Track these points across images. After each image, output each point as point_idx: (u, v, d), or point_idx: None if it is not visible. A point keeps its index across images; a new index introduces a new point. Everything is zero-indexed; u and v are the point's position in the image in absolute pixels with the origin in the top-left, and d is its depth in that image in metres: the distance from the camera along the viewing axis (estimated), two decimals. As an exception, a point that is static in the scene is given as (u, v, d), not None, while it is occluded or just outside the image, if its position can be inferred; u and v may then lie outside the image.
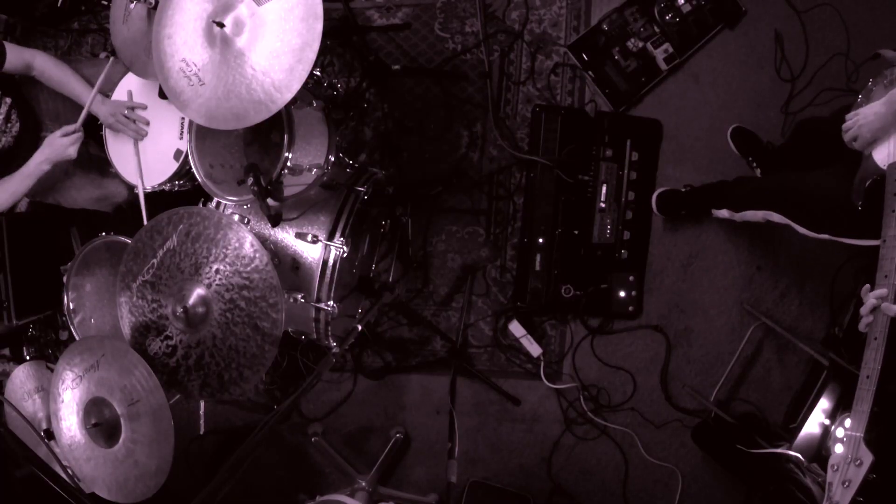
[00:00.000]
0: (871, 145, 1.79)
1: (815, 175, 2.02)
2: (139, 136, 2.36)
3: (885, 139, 1.76)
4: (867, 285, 1.60)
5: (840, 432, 2.16)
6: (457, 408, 2.97)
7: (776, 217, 2.13)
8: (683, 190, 2.78)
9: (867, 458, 1.47)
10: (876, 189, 1.73)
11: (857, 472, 1.48)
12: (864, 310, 1.58)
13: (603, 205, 2.82)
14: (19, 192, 2.29)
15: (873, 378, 1.53)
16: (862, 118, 1.79)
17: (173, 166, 2.32)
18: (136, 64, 2.26)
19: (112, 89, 2.41)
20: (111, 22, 2.25)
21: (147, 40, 2.12)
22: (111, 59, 2.31)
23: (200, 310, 1.95)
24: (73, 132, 2.22)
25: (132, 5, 2.18)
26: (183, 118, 2.30)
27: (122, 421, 1.96)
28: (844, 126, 1.84)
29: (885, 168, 1.72)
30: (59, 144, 2.21)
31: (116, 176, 2.42)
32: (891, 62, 1.89)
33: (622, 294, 2.85)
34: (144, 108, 2.37)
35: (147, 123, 2.37)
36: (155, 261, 2.00)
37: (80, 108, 2.36)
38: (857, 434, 1.50)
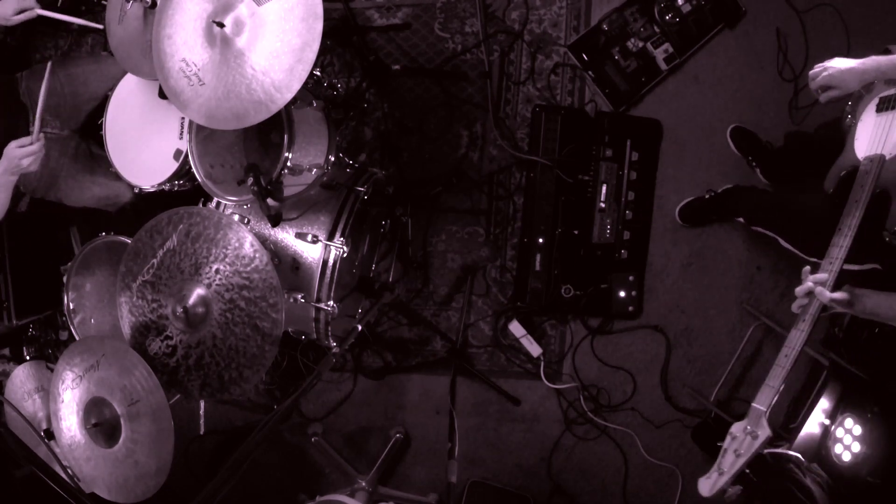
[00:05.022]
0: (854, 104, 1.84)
1: (807, 197, 2.05)
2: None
3: (865, 130, 1.79)
4: (807, 267, 1.64)
5: (840, 432, 2.17)
6: (457, 408, 2.96)
7: (783, 242, 2.16)
8: (707, 197, 2.76)
9: (764, 433, 1.50)
10: (849, 179, 1.76)
11: (750, 445, 1.51)
12: (799, 291, 1.61)
13: (603, 205, 2.82)
14: None
15: (791, 358, 1.58)
16: (831, 67, 1.84)
17: (173, 166, 2.31)
18: (132, 64, 2.25)
19: (112, 89, 2.41)
20: (107, 22, 2.23)
21: (143, 40, 2.12)
22: (49, 64, 2.09)
23: (200, 310, 1.95)
24: (29, 144, 2.05)
25: (128, 5, 2.17)
26: (183, 118, 2.30)
27: (122, 421, 1.96)
28: (811, 73, 1.89)
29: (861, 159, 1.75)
30: (13, 156, 2.05)
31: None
32: None
33: (622, 294, 2.84)
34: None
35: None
36: (155, 261, 2.00)
37: (78, 106, 2.36)
38: (762, 408, 1.56)
